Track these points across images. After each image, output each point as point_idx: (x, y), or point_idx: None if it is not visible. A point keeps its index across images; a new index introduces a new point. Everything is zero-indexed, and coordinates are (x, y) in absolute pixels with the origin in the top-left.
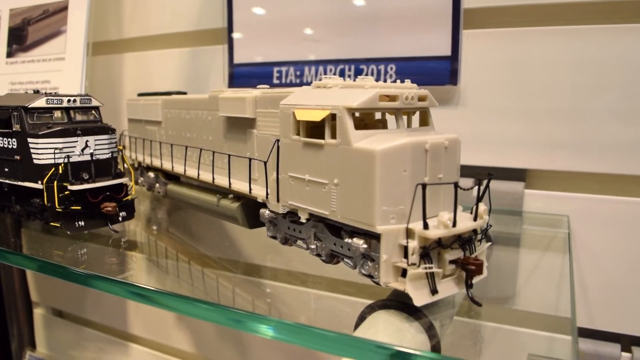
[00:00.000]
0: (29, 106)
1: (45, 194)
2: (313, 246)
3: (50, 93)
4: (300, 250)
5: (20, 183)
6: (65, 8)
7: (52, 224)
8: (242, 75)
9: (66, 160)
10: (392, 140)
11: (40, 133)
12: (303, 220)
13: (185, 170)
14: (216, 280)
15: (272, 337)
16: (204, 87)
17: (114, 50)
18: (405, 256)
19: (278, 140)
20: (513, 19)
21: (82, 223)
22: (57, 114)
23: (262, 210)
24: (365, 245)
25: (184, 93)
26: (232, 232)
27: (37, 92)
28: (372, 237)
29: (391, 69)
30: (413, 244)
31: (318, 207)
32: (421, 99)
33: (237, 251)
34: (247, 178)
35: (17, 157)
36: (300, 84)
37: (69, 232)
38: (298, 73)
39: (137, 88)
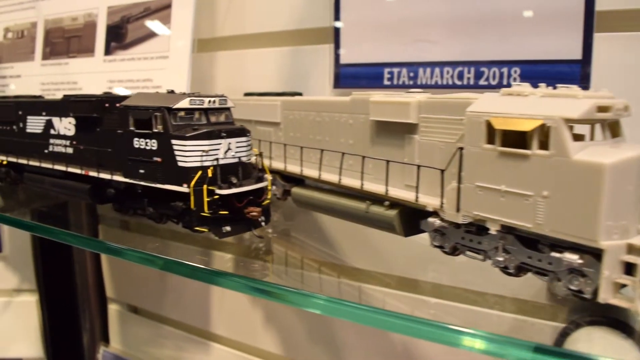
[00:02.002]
0: (174, 107)
1: (192, 197)
2: (501, 258)
3: (192, 93)
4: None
5: (159, 185)
6: (168, 6)
7: (197, 228)
8: (349, 76)
9: (215, 163)
10: (616, 154)
11: (187, 135)
12: (493, 231)
13: (320, 174)
14: (364, 293)
15: None
16: (304, 87)
17: (206, 49)
18: (628, 273)
19: (461, 149)
20: None
21: (228, 228)
22: (196, 115)
23: (430, 220)
24: (580, 260)
25: (300, 94)
26: (367, 238)
27: (171, 91)
28: (585, 252)
29: (515, 72)
30: None
31: (517, 220)
32: (625, 109)
33: (384, 261)
34: (402, 185)
35: (157, 159)
36: (414, 86)
37: (217, 238)
38: (411, 75)
39: (231, 87)
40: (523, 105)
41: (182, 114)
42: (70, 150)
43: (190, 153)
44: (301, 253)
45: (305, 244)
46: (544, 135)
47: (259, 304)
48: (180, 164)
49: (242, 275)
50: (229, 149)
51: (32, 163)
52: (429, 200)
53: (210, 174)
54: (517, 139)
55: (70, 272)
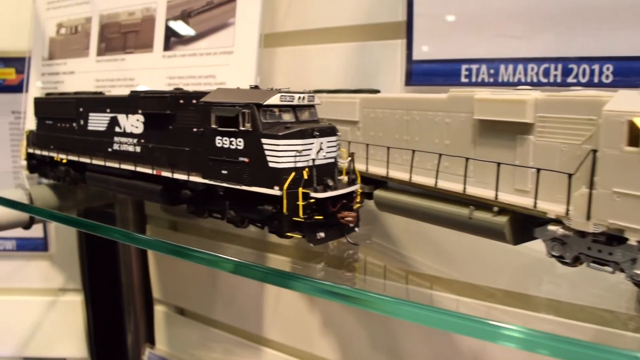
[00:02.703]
0: (265, 103)
1: (284, 201)
2: (638, 271)
3: (280, 89)
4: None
5: (245, 187)
6: None
7: (289, 234)
8: (422, 73)
9: (310, 164)
10: None
11: (280, 134)
12: (632, 242)
13: (411, 177)
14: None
15: None
16: (372, 84)
17: (266, 45)
18: None
19: (594, 151)
20: None
21: (322, 234)
22: (283, 112)
23: (552, 227)
24: None
25: (377, 91)
26: (456, 244)
27: (255, 87)
28: None
29: (607, 69)
30: None
31: None
32: None
33: (479, 270)
34: (512, 189)
35: (244, 159)
36: (495, 84)
37: (311, 245)
38: (492, 72)
39: (292, 84)
40: None
41: (270, 111)
42: (137, 149)
43: (283, 153)
44: (385, 260)
45: (389, 249)
46: None
47: (316, 308)
48: (271, 164)
49: (319, 279)
50: (320, 148)
51: (95, 162)
52: (549, 207)
53: (305, 176)
54: None
55: (116, 272)
